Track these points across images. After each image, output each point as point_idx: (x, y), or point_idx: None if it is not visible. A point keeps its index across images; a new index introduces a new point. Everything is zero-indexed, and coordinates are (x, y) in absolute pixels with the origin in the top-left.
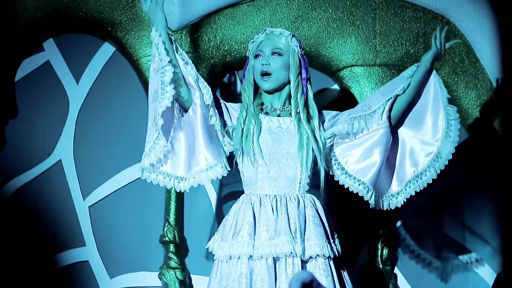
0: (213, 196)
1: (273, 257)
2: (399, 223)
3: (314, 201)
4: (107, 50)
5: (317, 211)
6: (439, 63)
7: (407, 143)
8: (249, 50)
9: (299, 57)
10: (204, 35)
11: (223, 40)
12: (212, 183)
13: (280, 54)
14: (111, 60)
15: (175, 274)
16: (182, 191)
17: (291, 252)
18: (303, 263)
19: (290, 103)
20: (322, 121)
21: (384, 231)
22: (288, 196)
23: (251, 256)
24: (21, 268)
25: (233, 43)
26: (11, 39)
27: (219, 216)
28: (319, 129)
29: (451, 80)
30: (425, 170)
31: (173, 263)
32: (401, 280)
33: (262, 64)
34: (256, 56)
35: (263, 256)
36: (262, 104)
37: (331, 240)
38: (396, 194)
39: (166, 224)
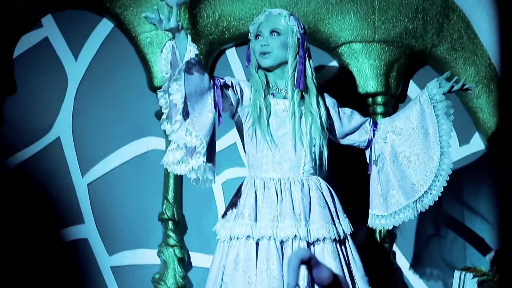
0: None
1: (280, 241)
2: None
3: (319, 183)
4: (105, 26)
5: (322, 193)
6: (438, 40)
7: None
8: (250, 32)
9: (297, 36)
10: (203, 11)
11: (222, 16)
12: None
13: (278, 34)
14: (109, 36)
15: (174, 251)
16: None
17: (295, 235)
18: (309, 245)
19: None
20: (326, 105)
21: None
22: (292, 179)
23: (249, 236)
24: (20, 246)
25: (232, 19)
26: (10, 15)
27: (218, 193)
28: (318, 108)
29: (450, 57)
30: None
31: (171, 241)
32: (400, 257)
33: (261, 45)
34: (256, 37)
35: (264, 237)
36: (268, 83)
37: (337, 222)
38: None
39: (165, 201)
